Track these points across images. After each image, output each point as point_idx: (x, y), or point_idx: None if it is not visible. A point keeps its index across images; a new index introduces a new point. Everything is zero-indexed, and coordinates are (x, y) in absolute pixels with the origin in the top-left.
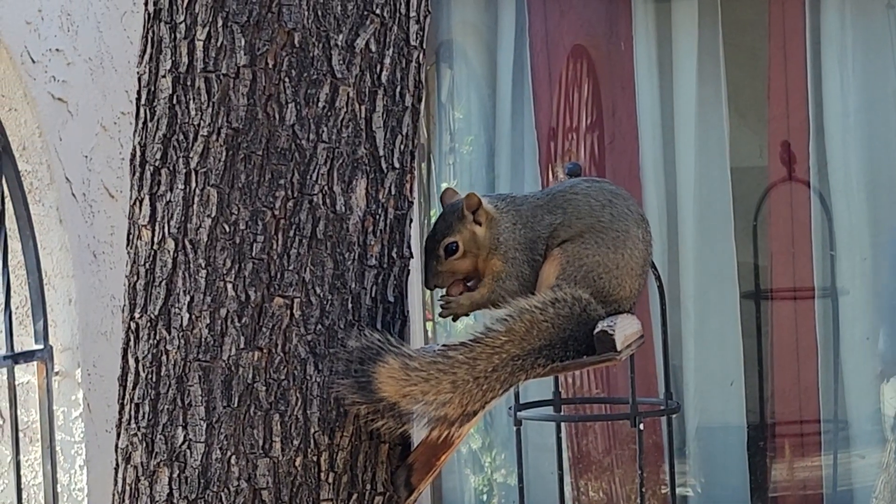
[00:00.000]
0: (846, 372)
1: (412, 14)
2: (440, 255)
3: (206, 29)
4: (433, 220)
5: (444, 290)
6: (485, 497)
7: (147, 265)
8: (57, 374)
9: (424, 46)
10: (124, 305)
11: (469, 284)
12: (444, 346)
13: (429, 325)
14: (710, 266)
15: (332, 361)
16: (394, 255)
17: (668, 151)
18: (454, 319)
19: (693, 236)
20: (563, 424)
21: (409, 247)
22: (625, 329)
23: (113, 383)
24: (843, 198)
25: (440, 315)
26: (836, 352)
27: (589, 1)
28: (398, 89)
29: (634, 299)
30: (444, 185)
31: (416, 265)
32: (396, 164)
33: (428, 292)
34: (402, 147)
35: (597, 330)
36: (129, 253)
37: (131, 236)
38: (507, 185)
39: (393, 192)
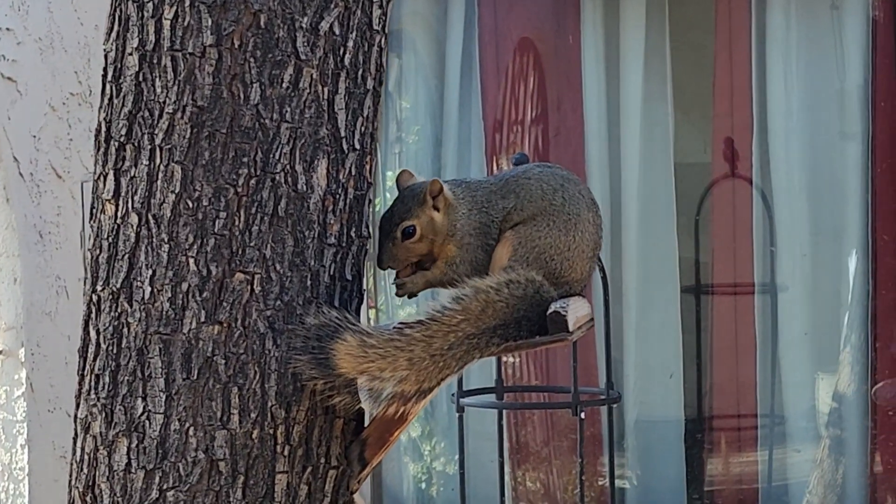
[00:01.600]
0: (784, 368)
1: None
2: (396, 236)
3: (174, 8)
4: (385, 204)
5: (395, 273)
6: (423, 485)
7: (110, 239)
8: (0, 353)
9: (387, 31)
10: (86, 278)
11: (426, 267)
12: (401, 323)
13: (371, 312)
14: (652, 260)
15: (291, 338)
16: (352, 234)
17: (613, 146)
18: (409, 297)
19: (636, 230)
20: (503, 413)
21: (368, 226)
22: (576, 311)
23: (57, 363)
24: (784, 195)
25: (397, 294)
26: (774, 347)
27: None
28: (360, 72)
29: (585, 282)
30: (389, 175)
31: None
32: (357, 146)
33: (371, 280)
34: (363, 129)
35: (550, 311)
36: (92, 227)
37: (95, 210)
38: (453, 176)
39: (353, 173)
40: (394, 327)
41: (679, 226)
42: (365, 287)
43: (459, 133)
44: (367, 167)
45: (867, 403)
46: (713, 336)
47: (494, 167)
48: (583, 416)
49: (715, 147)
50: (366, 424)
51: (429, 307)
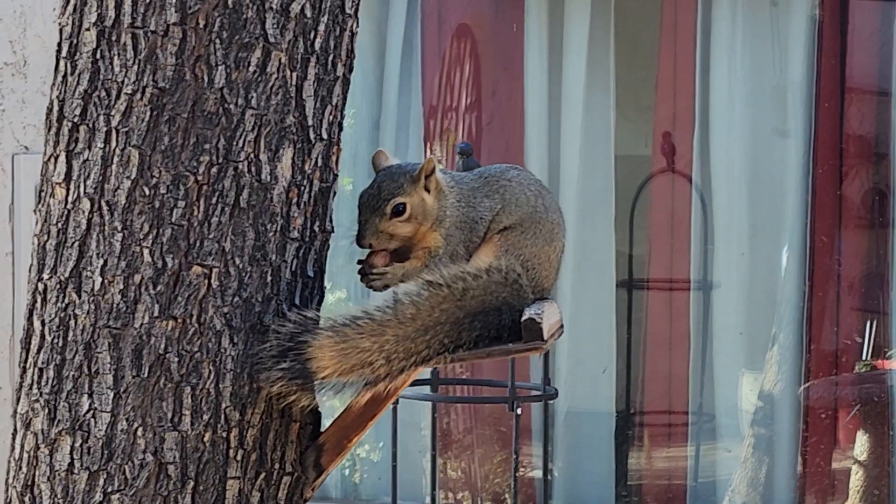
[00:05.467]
0: (716, 365)
1: None
2: (385, 212)
3: None
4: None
5: (363, 265)
6: (347, 472)
7: (59, 225)
8: None
9: (358, 15)
10: (31, 265)
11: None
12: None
13: None
14: (589, 253)
15: (258, 353)
16: (316, 228)
17: (553, 136)
18: (382, 290)
19: (573, 223)
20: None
21: (332, 221)
22: (550, 318)
23: None
24: (724, 192)
25: (371, 285)
26: (708, 344)
27: None
28: (331, 58)
29: (552, 289)
30: None
31: None
32: (324, 135)
33: None
34: (332, 118)
35: (524, 317)
36: (39, 211)
37: (43, 194)
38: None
39: (319, 164)
40: (362, 311)
41: (617, 219)
42: (326, 284)
43: (398, 117)
44: (334, 158)
45: (799, 403)
46: (647, 331)
47: (428, 152)
48: (519, 411)
49: (656, 140)
50: (322, 429)
51: (405, 289)
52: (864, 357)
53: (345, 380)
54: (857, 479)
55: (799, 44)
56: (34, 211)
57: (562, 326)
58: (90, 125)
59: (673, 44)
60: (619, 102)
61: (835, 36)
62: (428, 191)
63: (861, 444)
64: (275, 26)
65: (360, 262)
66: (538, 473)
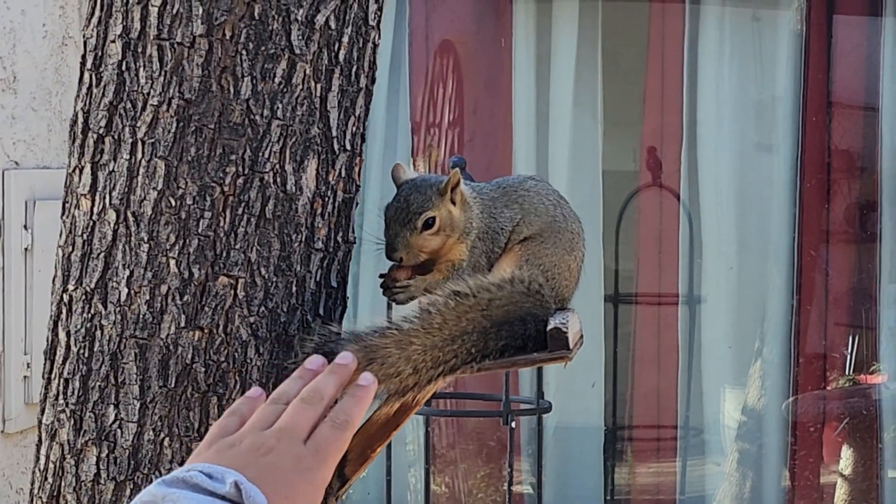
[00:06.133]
0: (706, 379)
1: None
2: (417, 226)
3: None
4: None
5: (385, 277)
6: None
7: (85, 236)
8: None
9: (381, 28)
10: (55, 276)
11: (421, 272)
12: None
13: None
14: None
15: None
16: (339, 239)
17: (542, 151)
18: (405, 303)
19: None
20: (428, 418)
21: (354, 231)
22: (573, 327)
23: None
24: (712, 207)
25: (395, 298)
26: (697, 359)
27: None
28: (354, 69)
29: (571, 299)
30: None
31: None
32: (348, 146)
33: None
34: (354, 129)
35: (550, 327)
36: (64, 222)
37: (68, 205)
38: (380, 176)
39: (343, 175)
40: (387, 321)
41: (605, 234)
42: (349, 295)
43: (386, 133)
44: (357, 169)
45: (787, 418)
46: (635, 346)
47: (413, 166)
48: (513, 425)
49: (644, 155)
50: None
51: (430, 299)
52: (849, 371)
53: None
54: (842, 493)
55: (785, 59)
56: (61, 220)
57: (582, 336)
58: (115, 136)
59: (660, 59)
60: (607, 117)
61: (820, 51)
62: (454, 203)
63: (848, 459)
64: (300, 38)
65: (381, 275)
66: (527, 489)
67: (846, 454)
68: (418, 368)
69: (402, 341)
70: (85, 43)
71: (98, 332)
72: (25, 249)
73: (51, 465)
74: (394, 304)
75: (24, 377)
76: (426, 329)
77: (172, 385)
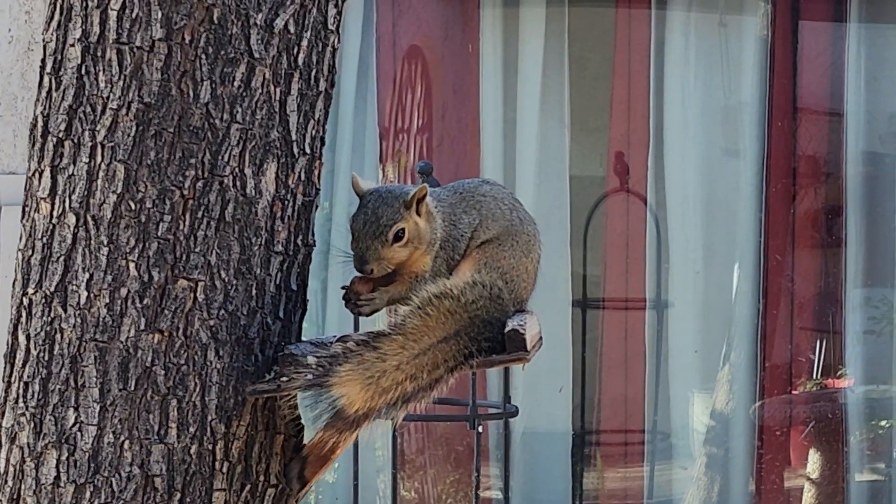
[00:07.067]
0: (673, 384)
1: None
2: (388, 238)
3: None
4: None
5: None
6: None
7: (44, 239)
8: None
9: (340, 32)
10: (15, 279)
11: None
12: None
13: None
14: (545, 272)
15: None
16: (299, 242)
17: (509, 156)
18: (368, 316)
19: None
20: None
21: (314, 234)
22: (531, 329)
23: None
24: (678, 212)
25: (359, 311)
26: (663, 364)
27: (436, 3)
28: (313, 73)
29: (528, 301)
30: None
31: None
32: (307, 150)
33: None
34: (314, 132)
35: (507, 328)
36: (24, 226)
37: (28, 209)
38: (347, 182)
39: (302, 178)
40: (371, 335)
41: (573, 239)
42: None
43: (354, 138)
44: (316, 172)
45: (754, 422)
46: (602, 350)
47: (381, 173)
48: (480, 429)
49: (610, 161)
50: (306, 442)
51: (401, 313)
52: (816, 375)
53: (378, 405)
54: (809, 496)
55: (751, 64)
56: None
57: (541, 338)
58: (75, 140)
59: (626, 64)
60: (574, 122)
61: (786, 56)
62: (419, 215)
63: (814, 462)
64: (259, 42)
65: (343, 287)
66: (495, 493)
67: (813, 458)
68: (414, 374)
69: (394, 351)
70: (44, 46)
71: (58, 336)
72: None
73: (11, 469)
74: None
75: None
76: (413, 335)
77: (132, 388)
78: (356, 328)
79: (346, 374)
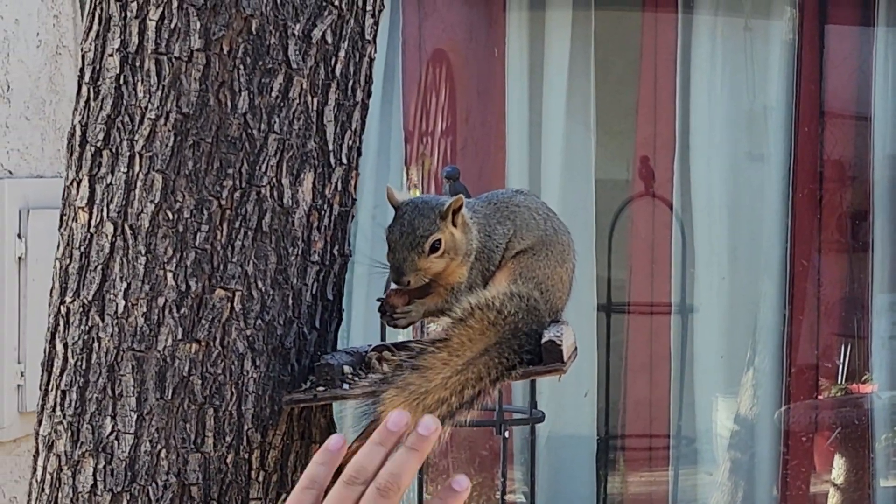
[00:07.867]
0: (697, 389)
1: (368, 8)
2: (424, 249)
3: (160, 9)
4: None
5: (383, 304)
6: None
7: (82, 248)
8: None
9: (376, 42)
10: (53, 288)
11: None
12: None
13: None
14: None
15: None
16: (335, 252)
17: (534, 160)
18: (403, 328)
19: None
20: None
21: (349, 244)
22: (567, 339)
23: None
24: (704, 216)
25: (395, 324)
26: (688, 368)
27: (462, 6)
28: (350, 83)
29: (563, 311)
30: None
31: None
32: (344, 160)
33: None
34: (350, 143)
35: (544, 340)
36: (62, 235)
37: (66, 218)
38: (373, 186)
39: (339, 188)
40: (409, 355)
41: (598, 244)
42: (344, 308)
43: (379, 142)
44: (353, 183)
45: (779, 427)
46: (627, 355)
47: (406, 176)
48: (507, 434)
49: (636, 166)
50: None
51: (442, 325)
52: (842, 381)
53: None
54: (834, 502)
55: (777, 68)
56: (59, 232)
57: (576, 349)
58: (113, 150)
59: (653, 68)
60: (599, 126)
61: (813, 60)
62: (455, 226)
63: (840, 468)
64: (297, 52)
65: (379, 300)
66: (519, 498)
67: (838, 463)
68: (460, 390)
69: (434, 368)
70: (83, 56)
71: (95, 345)
72: (19, 258)
73: (48, 477)
74: (392, 328)
75: (18, 386)
76: (457, 349)
77: (169, 397)
78: (382, 337)
79: (389, 400)
